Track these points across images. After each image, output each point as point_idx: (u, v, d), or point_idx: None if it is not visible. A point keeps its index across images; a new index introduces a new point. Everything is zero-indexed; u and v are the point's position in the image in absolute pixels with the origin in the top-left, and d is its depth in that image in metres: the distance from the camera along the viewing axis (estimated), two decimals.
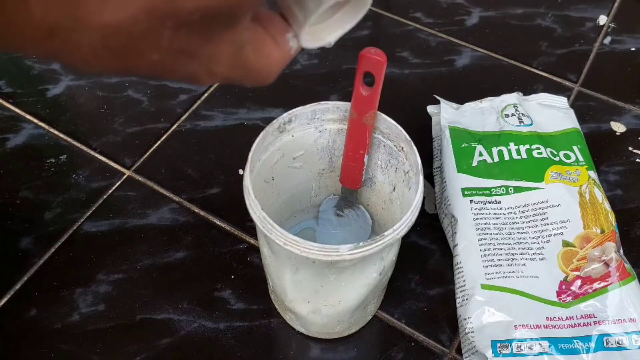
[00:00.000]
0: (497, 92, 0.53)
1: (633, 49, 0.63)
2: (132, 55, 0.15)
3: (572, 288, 0.41)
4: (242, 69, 0.18)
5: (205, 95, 0.58)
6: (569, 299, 0.41)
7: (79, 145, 0.54)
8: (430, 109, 0.55)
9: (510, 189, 0.46)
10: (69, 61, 0.15)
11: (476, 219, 0.45)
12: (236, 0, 0.15)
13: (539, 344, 0.39)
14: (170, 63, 0.16)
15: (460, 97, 0.54)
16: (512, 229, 0.44)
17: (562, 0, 0.67)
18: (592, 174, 0.47)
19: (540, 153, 0.47)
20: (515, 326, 0.40)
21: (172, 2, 0.14)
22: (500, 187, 0.46)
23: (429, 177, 0.51)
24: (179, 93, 0.58)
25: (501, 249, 0.43)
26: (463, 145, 0.48)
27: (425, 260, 0.47)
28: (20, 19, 0.13)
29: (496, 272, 0.42)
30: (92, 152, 0.54)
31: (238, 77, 0.19)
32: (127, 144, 0.54)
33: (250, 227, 0.49)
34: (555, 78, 0.60)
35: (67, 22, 0.13)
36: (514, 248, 0.43)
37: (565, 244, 0.43)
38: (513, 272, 0.42)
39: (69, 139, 0.54)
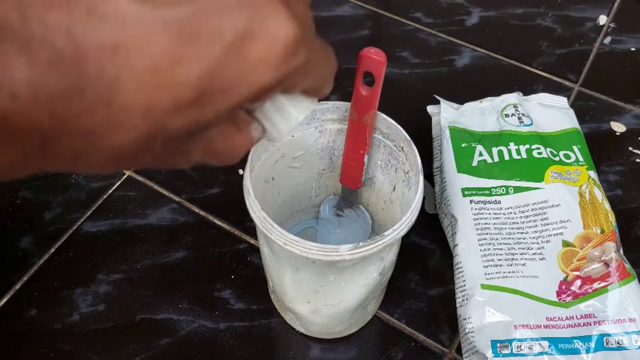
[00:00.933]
0: (497, 92, 0.53)
1: (633, 49, 0.63)
2: (130, 160, 0.18)
3: (572, 288, 0.41)
4: (212, 155, 0.22)
5: None
6: (569, 299, 0.41)
7: None
8: (430, 109, 0.55)
9: (510, 189, 0.46)
10: (79, 171, 0.18)
11: (476, 219, 0.45)
12: (212, 117, 0.18)
13: (539, 344, 0.39)
14: (159, 160, 0.20)
15: (460, 97, 0.54)
16: (512, 229, 0.44)
17: (562, 0, 0.67)
18: (592, 174, 0.47)
19: (540, 153, 0.47)
20: (515, 326, 0.40)
21: (164, 126, 0.17)
22: (500, 187, 0.46)
23: (429, 177, 0.51)
24: None
25: (501, 249, 0.43)
26: (463, 145, 0.48)
27: (425, 260, 0.47)
28: (53, 150, 0.16)
29: (496, 272, 0.42)
30: None
31: (209, 160, 0.22)
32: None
33: (250, 227, 0.49)
34: (555, 78, 0.60)
35: (86, 148, 0.17)
36: (514, 248, 0.43)
37: (565, 244, 0.43)
38: (513, 272, 0.42)
39: None
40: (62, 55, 0.15)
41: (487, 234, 0.44)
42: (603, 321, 0.40)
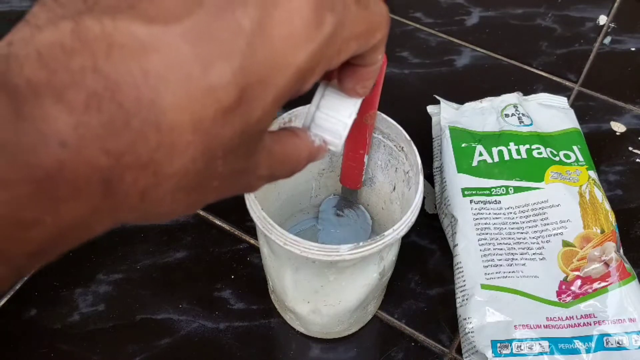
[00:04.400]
0: (497, 92, 0.53)
1: (633, 49, 0.63)
2: (199, 189, 0.18)
3: (572, 288, 0.41)
4: (278, 165, 0.22)
5: None
6: (569, 299, 0.41)
7: None
8: (430, 109, 0.55)
9: (510, 189, 0.46)
10: (151, 217, 0.18)
11: (476, 219, 0.45)
12: (261, 115, 0.18)
13: (539, 344, 0.39)
14: (228, 184, 0.19)
15: (460, 97, 0.54)
16: (512, 229, 0.44)
17: (562, 0, 0.67)
18: (592, 174, 0.47)
19: (540, 153, 0.47)
20: (515, 326, 0.40)
21: (218, 137, 0.17)
22: (500, 187, 0.46)
23: (429, 177, 0.51)
24: None
25: (501, 249, 0.43)
26: (463, 145, 0.48)
27: (425, 260, 0.47)
28: (118, 192, 0.16)
29: (496, 272, 0.42)
30: None
31: (278, 172, 0.22)
32: None
33: (250, 227, 0.49)
34: (555, 78, 0.60)
35: (150, 181, 0.16)
36: (514, 248, 0.43)
37: (565, 244, 0.43)
38: (513, 272, 0.42)
39: None
40: (97, 93, 0.15)
41: (487, 234, 0.44)
42: (603, 321, 0.40)
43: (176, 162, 0.16)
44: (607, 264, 0.41)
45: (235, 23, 0.16)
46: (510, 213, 0.45)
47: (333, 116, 0.25)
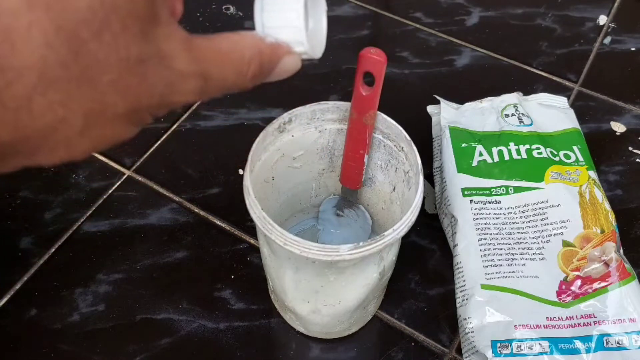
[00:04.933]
0: (497, 92, 0.53)
1: (633, 49, 0.63)
2: (83, 85, 0.16)
3: (572, 288, 0.41)
4: (213, 64, 0.20)
5: None
6: (569, 299, 0.41)
7: None
8: (430, 109, 0.55)
9: (510, 189, 0.46)
10: (46, 129, 0.16)
11: (476, 219, 0.45)
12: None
13: (539, 344, 0.39)
14: (132, 77, 0.17)
15: (460, 97, 0.54)
16: (512, 229, 0.44)
17: (562, 0, 0.67)
18: (592, 174, 0.47)
19: (540, 153, 0.47)
20: (515, 326, 0.40)
21: (67, 11, 0.15)
22: (500, 187, 0.46)
23: (429, 177, 0.51)
24: None
25: (501, 249, 0.43)
26: (463, 145, 0.48)
27: (425, 260, 0.47)
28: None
29: (496, 272, 0.42)
30: None
31: (216, 72, 0.20)
32: (127, 143, 0.54)
33: (250, 227, 0.49)
34: (555, 78, 0.60)
35: None
36: (514, 248, 0.43)
37: (565, 244, 0.43)
38: (513, 272, 0.42)
39: None
40: None
41: (487, 234, 0.44)
42: (603, 321, 0.40)
43: (22, 50, 0.14)
44: (607, 264, 0.41)
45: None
46: (510, 213, 0.45)
47: (280, 6, 0.22)
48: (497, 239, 0.44)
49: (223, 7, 0.65)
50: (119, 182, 0.51)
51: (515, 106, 0.51)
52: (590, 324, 0.40)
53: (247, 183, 0.34)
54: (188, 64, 0.19)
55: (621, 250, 0.43)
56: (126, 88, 0.17)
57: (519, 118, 0.50)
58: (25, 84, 0.15)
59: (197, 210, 0.50)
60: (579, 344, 0.39)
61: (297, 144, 0.40)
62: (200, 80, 0.20)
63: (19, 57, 0.14)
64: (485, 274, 0.42)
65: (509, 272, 0.42)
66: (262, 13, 0.22)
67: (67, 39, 0.15)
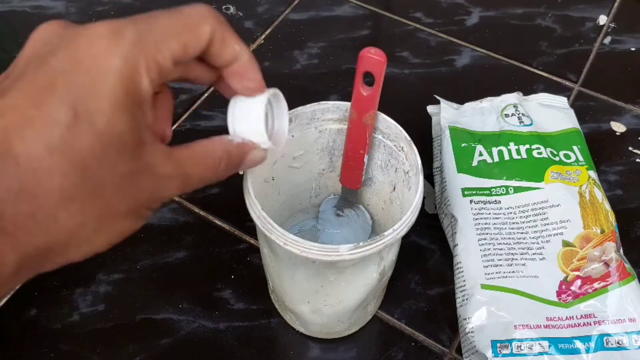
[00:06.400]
0: (497, 92, 0.53)
1: (633, 49, 0.63)
2: (92, 196, 0.22)
3: (572, 288, 0.41)
4: (191, 166, 0.26)
5: (206, 95, 0.58)
6: (569, 298, 0.41)
7: None
8: (430, 109, 0.55)
9: (510, 189, 0.46)
10: (72, 232, 0.22)
11: (476, 219, 0.45)
12: (107, 122, 0.22)
13: (539, 344, 0.39)
14: (128, 185, 0.23)
15: (460, 97, 0.54)
16: (512, 229, 0.44)
17: (562, 0, 0.67)
18: (592, 174, 0.47)
19: (540, 153, 0.47)
20: (515, 326, 0.40)
21: (76, 151, 0.21)
22: (500, 187, 0.46)
23: (429, 177, 0.51)
24: (180, 93, 0.58)
25: (501, 249, 0.43)
26: (463, 145, 0.48)
27: (425, 260, 0.48)
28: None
29: (496, 272, 0.42)
30: None
31: (195, 172, 0.26)
32: None
33: (250, 227, 0.49)
34: (555, 78, 0.60)
35: (32, 202, 0.21)
36: (514, 248, 0.43)
37: (565, 244, 0.43)
38: (513, 272, 0.42)
39: None
40: None
41: (487, 234, 0.44)
42: (603, 321, 0.40)
43: (47, 182, 0.20)
44: (607, 264, 0.41)
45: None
46: (510, 213, 0.45)
47: (246, 116, 0.28)
48: (497, 239, 0.44)
49: (223, 7, 0.65)
50: None
51: (515, 106, 0.51)
52: (590, 324, 0.40)
53: (247, 183, 0.34)
54: (170, 170, 0.24)
55: (621, 250, 0.43)
56: (125, 194, 0.23)
57: (519, 118, 0.50)
58: (50, 203, 0.20)
59: (197, 210, 0.50)
60: (579, 344, 0.39)
61: (297, 144, 0.40)
62: (181, 180, 0.25)
63: (44, 187, 0.20)
64: (485, 274, 0.42)
65: (509, 272, 0.42)
66: (233, 121, 0.29)
67: (78, 170, 0.21)
